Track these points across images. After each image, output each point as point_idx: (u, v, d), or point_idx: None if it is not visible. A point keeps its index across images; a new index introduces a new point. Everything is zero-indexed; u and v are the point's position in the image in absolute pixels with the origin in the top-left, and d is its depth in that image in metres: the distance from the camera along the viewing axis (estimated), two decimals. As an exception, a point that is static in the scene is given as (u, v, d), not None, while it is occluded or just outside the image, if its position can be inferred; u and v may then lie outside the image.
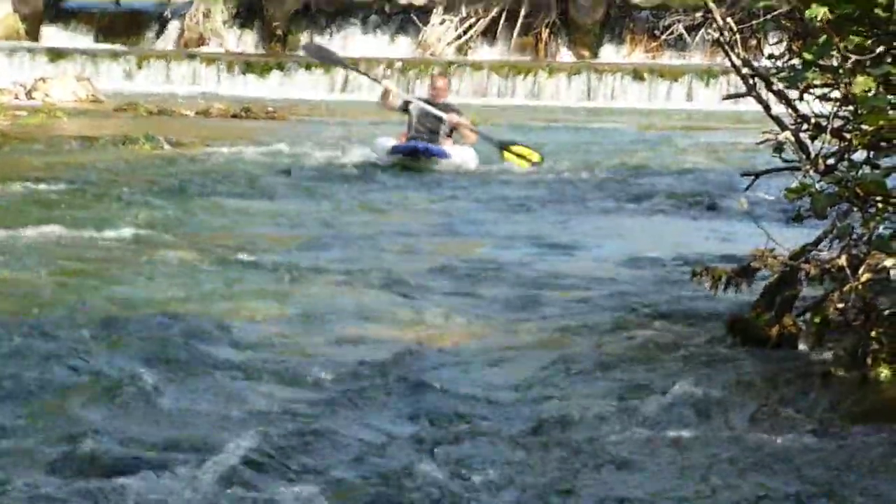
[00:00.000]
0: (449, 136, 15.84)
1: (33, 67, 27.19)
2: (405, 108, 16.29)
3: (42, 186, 13.41)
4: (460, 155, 15.61)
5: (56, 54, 28.60)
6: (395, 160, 15.45)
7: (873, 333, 6.59)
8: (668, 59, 29.37)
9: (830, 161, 6.97)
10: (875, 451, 5.58)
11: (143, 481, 4.98)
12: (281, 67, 27.51)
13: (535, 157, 15.87)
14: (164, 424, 5.82)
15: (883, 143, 6.42)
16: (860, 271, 6.65)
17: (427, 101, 16.20)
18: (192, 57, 28.96)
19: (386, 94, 16.53)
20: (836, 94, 6.87)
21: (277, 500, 4.90)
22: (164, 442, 5.56)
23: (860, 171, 6.78)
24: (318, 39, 31.09)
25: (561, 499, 5.02)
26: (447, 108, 16.03)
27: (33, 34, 31.52)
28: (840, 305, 6.98)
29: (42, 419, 5.82)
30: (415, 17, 31.44)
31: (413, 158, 15.34)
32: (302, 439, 5.67)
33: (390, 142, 15.75)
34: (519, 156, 15.85)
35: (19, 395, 6.14)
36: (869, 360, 6.52)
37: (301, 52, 18.21)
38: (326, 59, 17.53)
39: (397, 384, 6.63)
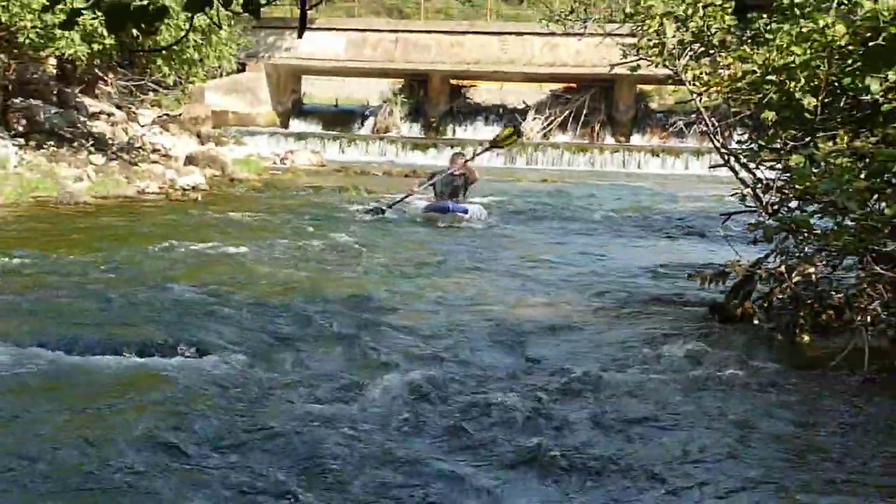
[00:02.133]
0: (465, 195, 14.40)
1: (285, 144, 27.45)
2: (433, 182, 14.56)
3: (290, 215, 13.65)
4: (476, 211, 14.01)
5: (298, 136, 28.79)
6: (429, 216, 13.84)
7: (800, 314, 6.59)
8: (673, 142, 29.02)
9: (775, 207, 6.97)
10: (799, 387, 5.58)
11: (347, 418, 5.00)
12: (435, 146, 27.53)
13: (509, 132, 14.47)
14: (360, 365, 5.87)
15: (807, 197, 6.40)
16: (793, 275, 6.63)
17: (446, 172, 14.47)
18: (381, 139, 29.07)
19: (423, 183, 14.65)
20: (779, 165, 6.87)
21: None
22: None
23: (794, 213, 6.77)
24: (459, 129, 31.25)
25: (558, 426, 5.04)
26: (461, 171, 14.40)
27: (284, 124, 31.82)
28: (780, 296, 6.96)
29: (300, 369, 5.72)
30: (517, 116, 31.47)
31: (442, 213, 13.73)
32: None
33: (423, 203, 14.35)
34: (504, 140, 14.51)
35: (279, 349, 6.15)
36: (797, 331, 6.52)
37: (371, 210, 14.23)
38: (390, 207, 14.13)
39: (508, 342, 6.73)
